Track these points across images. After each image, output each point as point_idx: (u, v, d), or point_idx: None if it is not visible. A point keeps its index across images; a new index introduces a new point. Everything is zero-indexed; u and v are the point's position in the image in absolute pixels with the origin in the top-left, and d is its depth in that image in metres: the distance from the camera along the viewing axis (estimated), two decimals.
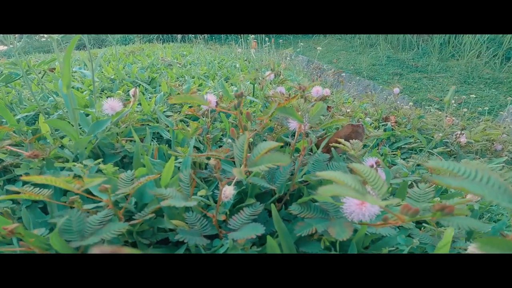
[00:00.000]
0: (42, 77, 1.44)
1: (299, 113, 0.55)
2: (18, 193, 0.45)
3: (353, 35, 7.46)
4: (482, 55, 5.67)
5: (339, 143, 0.74)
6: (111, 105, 0.71)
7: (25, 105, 1.05)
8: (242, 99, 0.44)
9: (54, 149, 0.57)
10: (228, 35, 7.17)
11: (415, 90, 5.10)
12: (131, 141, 0.76)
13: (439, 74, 5.51)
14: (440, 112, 2.46)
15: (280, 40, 3.96)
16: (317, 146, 0.81)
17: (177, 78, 1.67)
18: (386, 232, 0.53)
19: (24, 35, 0.66)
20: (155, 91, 1.36)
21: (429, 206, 0.51)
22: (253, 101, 1.19)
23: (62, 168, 0.58)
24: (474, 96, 3.04)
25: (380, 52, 6.61)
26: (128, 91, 1.33)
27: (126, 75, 1.49)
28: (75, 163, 0.52)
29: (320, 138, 0.84)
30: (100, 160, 0.54)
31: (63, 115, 0.89)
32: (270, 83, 1.40)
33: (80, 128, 0.77)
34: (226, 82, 1.81)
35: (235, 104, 0.44)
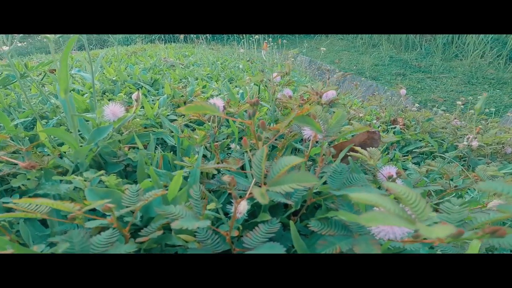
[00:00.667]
0: (42, 79, 1.40)
1: (316, 120, 0.51)
2: (13, 210, 0.41)
3: (355, 35, 7.42)
4: (486, 55, 5.61)
5: (355, 150, 0.70)
6: (112, 110, 0.67)
7: (24, 109, 1.02)
8: (257, 107, 0.40)
9: (52, 159, 0.54)
10: (230, 35, 7.13)
11: (418, 90, 5.05)
12: (134, 148, 0.72)
13: (443, 75, 5.46)
14: (447, 114, 2.41)
15: (284, 41, 3.92)
16: (332, 155, 0.77)
17: (180, 79, 1.63)
18: (412, 247, 0.49)
19: (17, 36, 0.62)
20: (158, 93, 1.32)
21: (464, 221, 0.47)
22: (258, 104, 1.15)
23: (62, 179, 0.53)
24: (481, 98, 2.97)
25: (382, 52, 6.56)
26: (131, 93, 1.29)
27: (128, 76, 1.45)
28: (75, 176, 0.48)
29: (332, 145, 0.80)
30: (102, 172, 0.50)
31: (63, 119, 0.85)
32: (277, 85, 1.35)
33: (80, 134, 0.73)
34: (230, 83, 1.77)
35: (249, 113, 0.40)
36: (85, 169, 0.58)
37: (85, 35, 0.72)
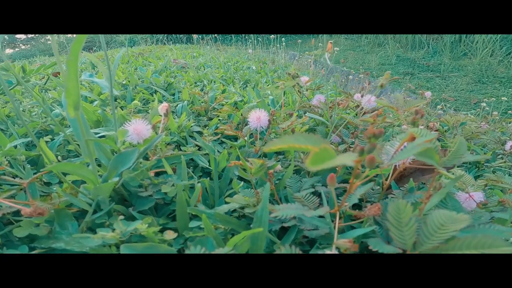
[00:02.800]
0: (45, 83, 1.27)
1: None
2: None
3: (360, 34, 7.28)
4: (496, 54, 5.49)
5: (427, 171, 0.57)
6: (136, 129, 0.53)
7: (25, 120, 0.88)
8: (376, 139, 0.27)
9: (65, 200, 0.40)
10: (235, 35, 6.98)
11: (427, 90, 4.92)
12: (160, 174, 0.59)
13: (452, 73, 5.33)
14: (472, 117, 2.28)
15: (298, 40, 3.80)
16: (395, 178, 0.64)
17: (195, 82, 1.50)
18: None
19: (6, 36, 0.48)
20: (174, 98, 1.19)
21: None
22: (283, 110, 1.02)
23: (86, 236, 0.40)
24: (506, 99, 2.86)
25: (389, 51, 6.43)
26: (144, 99, 1.16)
27: (139, 80, 1.31)
28: (105, 233, 0.35)
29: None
30: (138, 223, 0.37)
31: (70, 135, 0.71)
32: (307, 90, 1.23)
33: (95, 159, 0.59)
34: (246, 86, 1.64)
35: (363, 148, 0.27)
36: (108, 209, 0.45)
37: (91, 35, 0.59)
